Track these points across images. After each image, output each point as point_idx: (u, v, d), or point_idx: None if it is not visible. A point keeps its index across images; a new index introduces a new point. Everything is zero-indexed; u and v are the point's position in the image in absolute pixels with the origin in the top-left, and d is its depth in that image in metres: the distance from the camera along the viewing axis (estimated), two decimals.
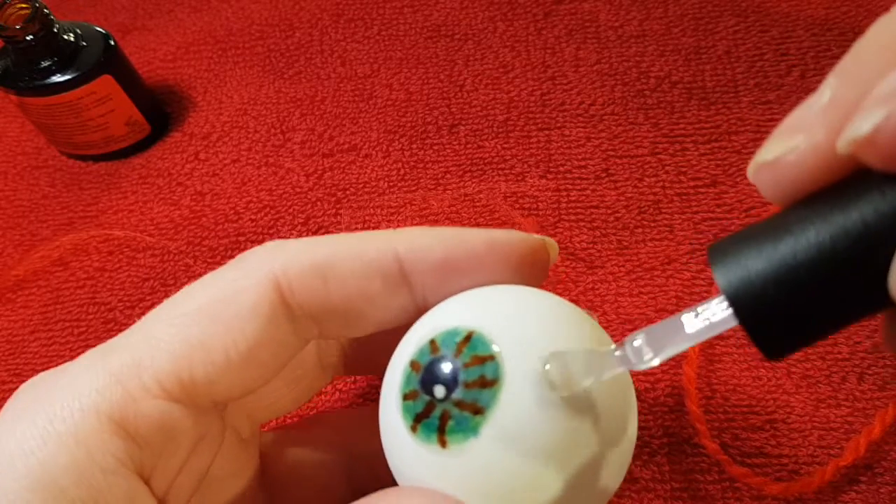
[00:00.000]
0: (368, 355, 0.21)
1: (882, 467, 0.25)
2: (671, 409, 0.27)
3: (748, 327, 0.12)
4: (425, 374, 0.15)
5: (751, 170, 0.13)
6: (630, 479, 0.26)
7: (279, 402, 0.20)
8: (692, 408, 0.26)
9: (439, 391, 0.14)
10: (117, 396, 0.15)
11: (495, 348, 0.14)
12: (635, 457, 0.25)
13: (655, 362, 0.14)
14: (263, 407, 0.20)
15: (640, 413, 0.27)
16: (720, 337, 0.28)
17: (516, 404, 0.14)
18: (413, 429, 0.15)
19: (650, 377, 0.28)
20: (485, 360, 0.14)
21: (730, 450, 0.26)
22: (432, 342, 0.15)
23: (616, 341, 0.16)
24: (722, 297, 0.13)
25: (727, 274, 0.12)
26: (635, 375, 0.27)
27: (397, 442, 0.15)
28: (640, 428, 0.26)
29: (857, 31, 0.37)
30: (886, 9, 0.41)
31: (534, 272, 0.17)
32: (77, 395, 0.15)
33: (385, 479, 0.20)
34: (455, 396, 0.14)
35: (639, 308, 0.30)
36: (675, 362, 0.28)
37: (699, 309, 0.13)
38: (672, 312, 0.29)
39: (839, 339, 0.27)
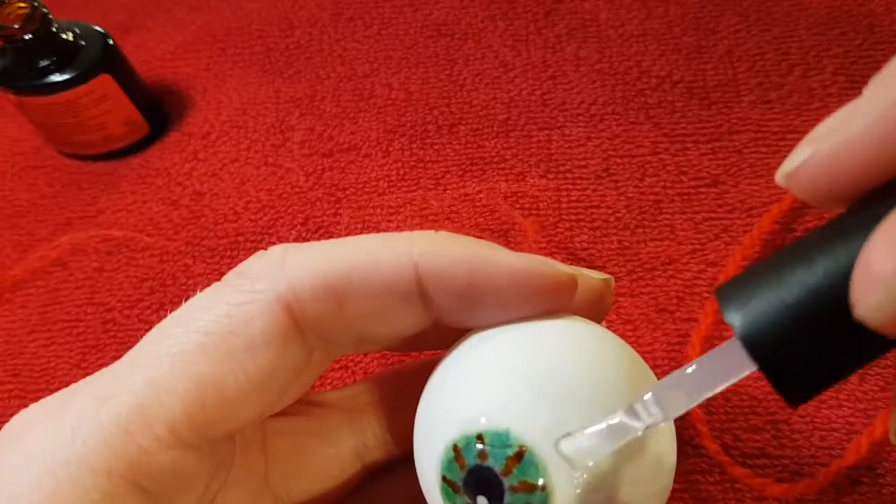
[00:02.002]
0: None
1: (884, 468, 0.25)
2: None
3: (769, 371, 0.11)
4: (469, 476, 0.14)
5: (779, 177, 0.13)
6: None
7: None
8: (693, 409, 0.26)
9: (482, 502, 0.14)
10: (129, 451, 0.13)
11: (545, 479, 0.14)
12: None
13: (666, 420, 0.13)
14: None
15: None
16: (721, 337, 0.28)
17: None
18: None
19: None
20: (534, 489, 0.14)
21: (731, 451, 0.26)
22: (479, 438, 0.14)
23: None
24: (735, 341, 0.12)
25: (741, 315, 0.11)
26: None
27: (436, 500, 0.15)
28: None
29: (857, 31, 0.37)
30: (887, 8, 0.41)
31: (558, 306, 0.16)
32: (85, 453, 0.13)
33: (397, 456, 0.19)
34: None
35: (640, 308, 0.30)
36: (676, 363, 0.28)
37: (708, 358, 0.13)
38: (672, 313, 0.29)
39: None
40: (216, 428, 0.14)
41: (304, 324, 0.15)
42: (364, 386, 0.20)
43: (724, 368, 0.12)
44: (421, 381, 0.18)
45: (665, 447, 0.15)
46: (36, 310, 0.34)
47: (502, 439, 0.14)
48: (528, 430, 0.14)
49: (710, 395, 0.13)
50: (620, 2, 0.40)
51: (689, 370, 0.13)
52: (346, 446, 0.19)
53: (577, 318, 0.16)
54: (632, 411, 0.13)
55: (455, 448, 0.14)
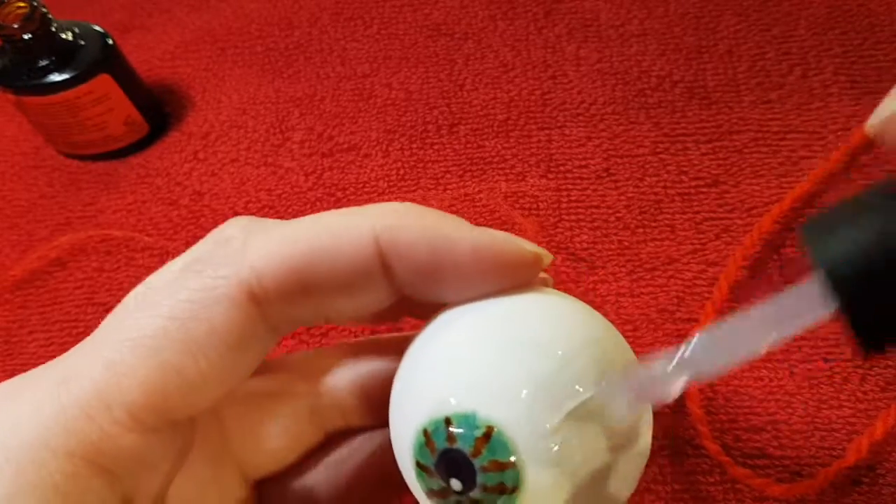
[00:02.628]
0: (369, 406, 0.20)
1: (884, 468, 0.25)
2: (672, 410, 0.27)
3: (851, 311, 0.11)
4: (440, 460, 0.14)
5: (869, 126, 0.12)
6: None
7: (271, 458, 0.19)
8: (693, 409, 0.26)
9: (456, 484, 0.14)
10: (90, 434, 0.13)
11: (516, 457, 0.14)
12: None
13: (718, 370, 0.12)
14: (254, 466, 0.19)
15: None
16: None
17: None
18: (429, 496, 0.15)
19: None
20: (505, 467, 0.14)
21: (731, 451, 0.26)
22: (447, 421, 0.14)
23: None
24: (814, 280, 0.11)
25: (825, 250, 0.11)
26: None
27: (412, 486, 0.15)
28: None
29: (858, 30, 0.37)
30: (888, 8, 0.41)
31: (522, 282, 0.16)
32: (45, 436, 0.13)
33: (353, 420, 0.19)
34: (473, 495, 0.14)
35: (640, 308, 0.29)
36: None
37: (783, 297, 0.12)
38: (673, 313, 0.29)
39: (841, 340, 0.27)
40: (177, 412, 0.15)
41: (266, 307, 0.15)
42: (319, 351, 0.20)
43: (799, 310, 0.11)
44: (377, 350, 0.18)
45: (646, 441, 0.15)
46: (35, 310, 0.34)
47: (469, 421, 0.14)
48: (495, 409, 0.14)
49: (774, 340, 0.12)
50: (620, 2, 0.40)
51: (764, 308, 0.12)
52: (301, 405, 0.19)
53: (546, 290, 0.16)
54: (684, 356, 0.13)
55: (425, 433, 0.15)
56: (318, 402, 0.19)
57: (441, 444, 0.14)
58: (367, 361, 0.19)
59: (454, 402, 0.14)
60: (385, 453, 0.19)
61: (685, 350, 0.13)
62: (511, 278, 0.16)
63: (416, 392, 0.15)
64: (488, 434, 0.14)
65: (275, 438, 0.19)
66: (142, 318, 0.14)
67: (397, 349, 0.18)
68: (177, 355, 0.14)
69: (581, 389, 0.14)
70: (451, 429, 0.14)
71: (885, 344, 0.11)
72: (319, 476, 0.19)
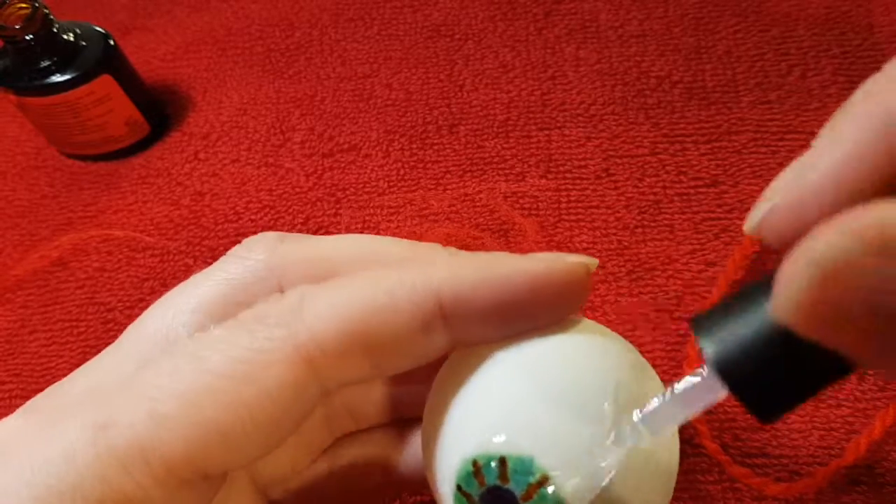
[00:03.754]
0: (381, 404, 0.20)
1: (883, 468, 0.25)
2: None
3: (738, 394, 0.13)
4: (487, 494, 0.15)
5: (746, 229, 0.14)
6: None
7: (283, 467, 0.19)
8: None
9: None
10: (124, 486, 0.13)
11: None
12: None
13: (648, 438, 0.14)
14: (266, 475, 0.19)
15: None
16: None
17: None
18: None
19: None
20: None
21: (730, 450, 0.26)
22: (502, 462, 0.14)
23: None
24: (708, 368, 0.13)
25: (712, 344, 0.13)
26: None
27: (443, 502, 0.16)
28: None
29: (857, 31, 0.37)
30: (886, 8, 0.41)
31: (579, 303, 0.16)
32: (79, 484, 0.13)
33: (362, 423, 0.20)
34: None
35: (640, 308, 0.30)
36: (676, 363, 0.28)
37: (686, 382, 0.14)
38: (672, 312, 0.29)
39: None
40: (215, 469, 0.14)
41: (321, 370, 0.15)
42: None
43: (702, 393, 0.14)
44: None
45: (671, 461, 0.16)
46: (37, 309, 0.34)
47: (526, 465, 0.14)
48: (552, 459, 0.14)
49: (692, 416, 0.14)
50: (620, 2, 0.40)
51: (668, 396, 0.14)
52: (316, 415, 0.19)
53: (592, 327, 0.17)
54: (619, 435, 0.14)
55: (475, 464, 0.15)
56: (331, 409, 0.19)
57: (491, 479, 0.15)
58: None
59: (508, 441, 0.15)
60: (390, 452, 0.20)
61: (621, 430, 0.15)
62: (568, 300, 0.16)
63: (467, 420, 0.15)
64: (542, 482, 0.14)
65: (288, 449, 0.19)
66: (190, 371, 0.14)
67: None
68: (224, 416, 0.14)
69: (629, 444, 0.15)
70: (504, 469, 0.14)
71: (774, 414, 0.13)
72: (325, 475, 0.19)
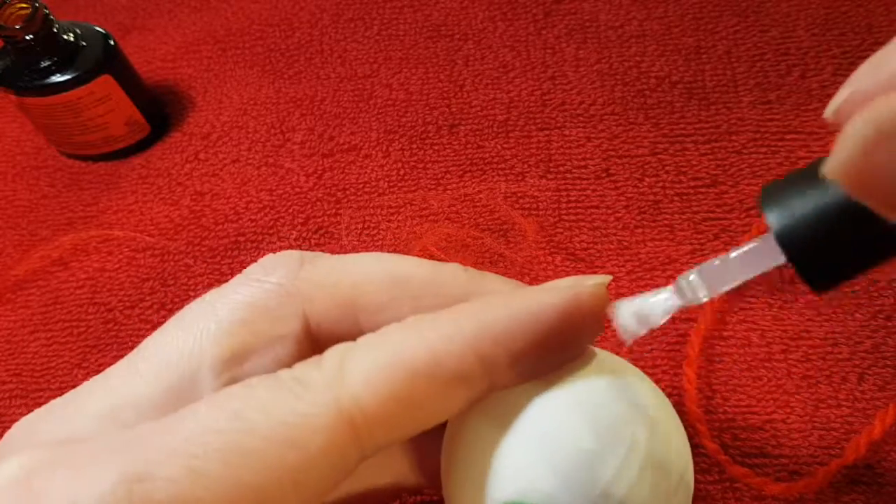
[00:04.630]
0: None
1: (883, 467, 0.25)
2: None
3: (795, 261, 0.13)
4: None
5: (827, 114, 0.14)
6: None
7: None
8: (692, 408, 0.26)
9: None
10: None
11: None
12: None
13: (706, 298, 0.15)
14: None
15: None
16: (720, 337, 0.28)
17: None
18: None
19: (650, 377, 0.28)
20: None
21: (730, 450, 0.26)
22: None
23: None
24: (770, 236, 0.14)
25: (776, 214, 0.13)
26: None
27: None
28: None
29: (857, 31, 0.37)
30: (886, 9, 0.41)
31: (601, 327, 0.16)
32: None
33: None
34: None
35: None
36: (676, 362, 0.28)
37: (748, 247, 0.14)
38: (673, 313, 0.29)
39: (839, 340, 0.27)
40: None
41: (364, 434, 0.14)
42: None
43: (760, 258, 0.14)
44: None
45: (689, 470, 0.17)
46: (37, 309, 0.34)
47: None
48: None
49: (745, 279, 0.15)
50: (620, 3, 0.40)
51: (732, 255, 0.15)
52: None
53: (629, 373, 0.17)
54: (678, 289, 0.15)
55: None
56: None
57: None
58: None
59: (550, 493, 0.15)
60: (393, 461, 0.20)
61: (679, 283, 0.15)
62: (595, 330, 0.16)
63: (503, 463, 0.15)
64: None
65: None
66: (230, 430, 0.14)
67: None
68: (267, 480, 0.13)
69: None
70: None
71: (826, 284, 0.13)
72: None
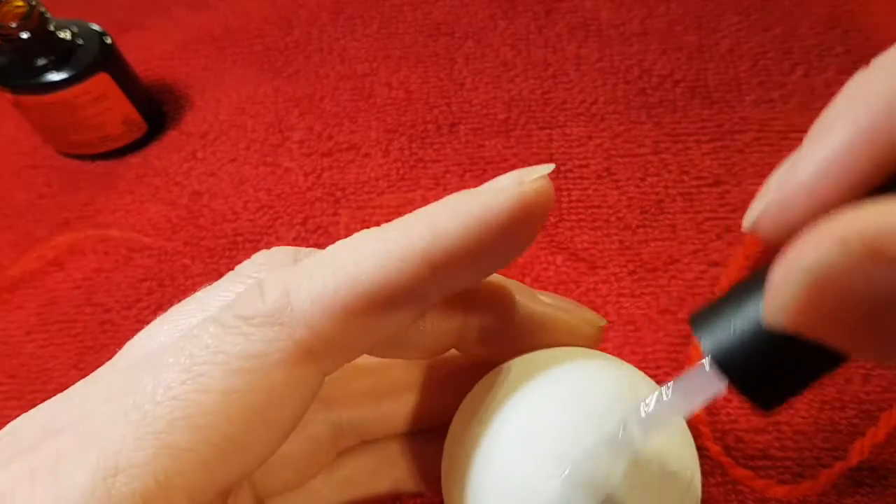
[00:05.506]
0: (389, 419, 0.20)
1: (887, 469, 0.25)
2: None
3: (738, 386, 0.13)
4: None
5: (744, 227, 0.14)
6: None
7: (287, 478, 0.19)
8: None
9: None
10: None
11: None
12: None
13: (649, 438, 0.15)
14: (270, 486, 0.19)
15: None
16: None
17: None
18: None
19: (651, 378, 0.27)
20: None
21: (733, 452, 0.25)
22: None
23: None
24: (708, 361, 0.13)
25: (710, 338, 0.13)
26: None
27: None
28: None
29: (860, 30, 0.36)
30: (889, 7, 0.41)
31: (545, 211, 0.16)
32: None
33: (367, 436, 0.19)
34: None
35: (641, 309, 0.29)
36: (678, 363, 0.28)
37: (687, 378, 0.14)
38: (675, 313, 0.29)
39: None
40: (236, 480, 0.14)
41: (323, 357, 0.14)
42: (342, 372, 0.20)
43: (702, 387, 0.14)
44: (388, 376, 0.18)
45: (687, 476, 0.16)
46: (33, 310, 0.34)
47: None
48: None
49: (692, 411, 0.14)
50: (621, 1, 0.40)
51: (668, 393, 0.14)
52: (322, 435, 0.19)
53: (633, 376, 0.17)
54: (625, 432, 0.15)
55: None
56: (339, 429, 0.19)
57: None
58: (396, 390, 0.19)
59: (552, 499, 0.15)
60: (392, 465, 0.20)
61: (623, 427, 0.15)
62: (541, 213, 0.15)
63: (496, 470, 0.15)
64: None
65: (292, 466, 0.19)
66: (188, 392, 0.13)
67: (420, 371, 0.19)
68: (238, 430, 0.13)
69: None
70: None
71: (774, 404, 0.13)
72: (326, 487, 0.19)
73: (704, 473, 0.25)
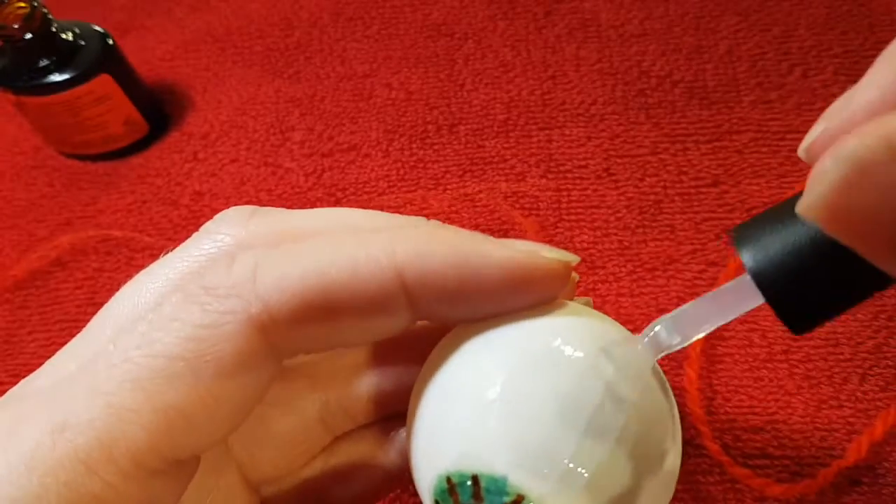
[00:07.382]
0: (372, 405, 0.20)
1: (884, 468, 0.25)
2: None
3: (774, 303, 0.13)
4: None
5: (800, 151, 0.14)
6: None
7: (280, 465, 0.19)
8: (694, 409, 0.26)
9: None
10: (92, 488, 0.12)
11: None
12: None
13: (682, 345, 0.15)
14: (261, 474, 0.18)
15: None
16: (721, 338, 0.28)
17: None
18: None
19: None
20: None
21: (731, 451, 0.26)
22: (475, 480, 0.14)
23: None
24: (747, 276, 0.13)
25: (752, 254, 0.13)
26: None
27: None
28: None
29: (858, 31, 0.37)
30: (887, 8, 0.41)
31: (552, 296, 0.15)
32: (43, 494, 0.12)
33: (359, 419, 0.19)
34: None
35: (640, 308, 0.30)
36: (677, 363, 0.28)
37: (723, 288, 0.14)
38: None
39: (841, 340, 0.27)
40: (184, 452, 0.14)
41: (277, 342, 0.14)
42: (330, 355, 0.19)
43: (737, 300, 0.14)
44: (392, 352, 0.18)
45: (671, 461, 0.15)
46: (35, 310, 0.34)
47: (499, 485, 0.14)
48: (526, 478, 0.14)
49: (723, 322, 0.14)
50: (621, 2, 0.40)
51: (707, 297, 0.14)
52: (309, 413, 0.19)
53: (577, 311, 0.16)
54: (652, 338, 0.15)
55: (448, 480, 0.14)
56: (327, 408, 0.19)
57: (466, 498, 0.14)
58: (382, 367, 0.19)
59: (485, 459, 0.14)
60: (385, 449, 0.20)
61: (649, 332, 0.15)
62: (542, 294, 0.15)
63: (442, 432, 0.15)
64: (517, 502, 0.14)
65: (282, 448, 0.18)
66: (140, 356, 0.13)
67: (411, 350, 0.18)
68: (184, 398, 0.13)
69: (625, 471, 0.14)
70: (478, 487, 0.14)
71: (805, 325, 0.13)
72: (319, 473, 0.19)
73: (703, 472, 0.25)
